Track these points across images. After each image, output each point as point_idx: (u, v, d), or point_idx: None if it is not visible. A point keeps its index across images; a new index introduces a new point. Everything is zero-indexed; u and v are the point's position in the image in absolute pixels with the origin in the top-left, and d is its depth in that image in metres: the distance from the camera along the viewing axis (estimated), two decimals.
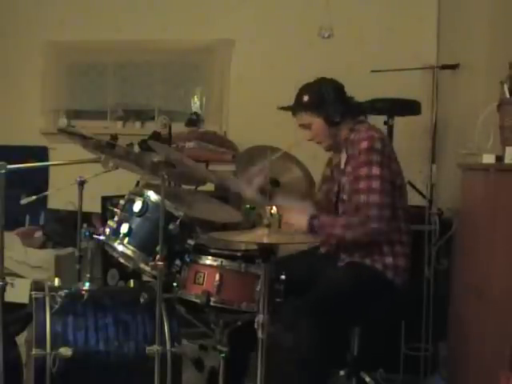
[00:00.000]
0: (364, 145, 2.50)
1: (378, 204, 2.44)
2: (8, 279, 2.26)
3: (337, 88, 2.67)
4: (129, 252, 2.36)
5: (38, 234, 4.02)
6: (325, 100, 2.63)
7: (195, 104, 4.02)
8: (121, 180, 3.14)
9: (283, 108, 2.83)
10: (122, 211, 2.42)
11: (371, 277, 2.54)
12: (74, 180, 2.68)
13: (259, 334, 1.96)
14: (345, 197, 2.61)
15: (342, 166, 2.66)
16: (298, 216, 2.56)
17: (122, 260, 2.47)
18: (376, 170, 2.47)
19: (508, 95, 2.47)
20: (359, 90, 2.72)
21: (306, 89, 2.69)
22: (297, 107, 2.70)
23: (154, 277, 2.29)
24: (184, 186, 3.03)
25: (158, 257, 2.21)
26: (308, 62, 4.11)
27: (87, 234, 2.53)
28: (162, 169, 2.26)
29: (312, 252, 2.73)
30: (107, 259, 3.41)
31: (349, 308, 2.42)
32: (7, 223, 2.23)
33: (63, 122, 4.56)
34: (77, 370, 2.22)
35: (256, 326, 1.96)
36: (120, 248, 2.36)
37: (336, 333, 2.40)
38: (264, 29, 4.25)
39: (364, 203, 2.45)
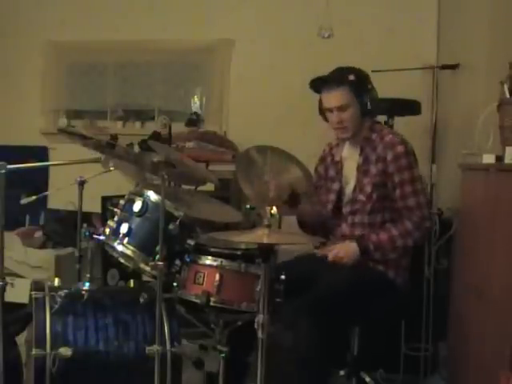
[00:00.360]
0: (401, 149, 2.53)
1: (426, 204, 2.55)
2: (8, 279, 2.27)
3: (372, 82, 2.63)
4: (129, 252, 2.36)
5: (38, 233, 4.02)
6: (367, 87, 2.59)
7: (195, 104, 4.02)
8: (121, 180, 3.13)
9: (318, 80, 2.62)
10: (121, 211, 2.42)
11: (372, 277, 2.55)
12: (73, 180, 2.68)
13: (259, 334, 1.96)
14: (361, 197, 2.59)
15: (360, 163, 2.62)
16: (344, 246, 2.56)
17: (122, 260, 2.47)
18: (416, 172, 2.56)
19: (508, 95, 2.48)
20: None
21: (350, 69, 2.58)
22: (341, 82, 2.56)
23: (154, 277, 2.29)
24: (184, 186, 3.03)
25: (157, 257, 2.21)
26: (308, 62, 4.10)
27: (87, 233, 2.53)
28: (162, 169, 2.26)
29: (312, 253, 2.72)
30: (107, 259, 3.41)
31: (349, 308, 2.42)
32: (7, 223, 2.23)
33: (63, 121, 4.56)
34: (77, 370, 2.22)
35: (256, 326, 1.96)
36: (120, 248, 2.36)
37: (336, 333, 2.40)
38: (264, 29, 4.25)
39: (415, 205, 2.51)
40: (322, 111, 2.68)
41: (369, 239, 2.52)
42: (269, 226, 2.00)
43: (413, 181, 2.53)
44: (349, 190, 2.67)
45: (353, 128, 2.61)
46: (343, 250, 2.53)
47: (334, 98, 2.58)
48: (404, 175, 2.53)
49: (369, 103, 2.57)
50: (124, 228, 2.36)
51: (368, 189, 2.57)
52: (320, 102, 2.68)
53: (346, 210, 2.66)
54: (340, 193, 2.70)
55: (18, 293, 3.08)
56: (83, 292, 2.34)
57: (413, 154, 2.58)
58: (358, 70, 2.61)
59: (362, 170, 2.62)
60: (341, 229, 2.69)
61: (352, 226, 2.65)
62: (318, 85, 2.63)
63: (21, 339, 2.59)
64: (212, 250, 2.34)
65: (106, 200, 3.65)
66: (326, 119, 2.69)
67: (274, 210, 2.22)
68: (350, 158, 2.70)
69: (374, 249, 2.51)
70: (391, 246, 2.50)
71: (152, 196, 2.39)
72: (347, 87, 2.55)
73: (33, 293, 2.32)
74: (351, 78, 2.55)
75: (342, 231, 2.68)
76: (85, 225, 2.63)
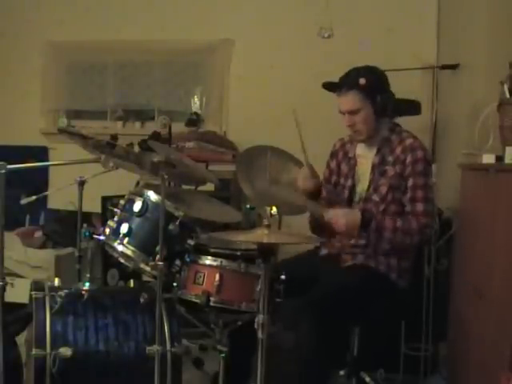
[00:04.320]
0: (421, 154, 2.53)
1: (432, 213, 2.54)
2: (8, 279, 2.27)
3: (388, 80, 2.61)
4: (129, 252, 2.36)
5: (38, 233, 4.02)
6: (380, 87, 2.56)
7: (195, 104, 4.02)
8: (121, 180, 3.14)
9: (329, 84, 2.61)
10: (121, 211, 2.42)
11: (374, 278, 2.54)
12: (73, 180, 2.68)
13: (259, 334, 1.95)
14: (375, 197, 2.58)
15: (375, 162, 2.60)
16: (348, 212, 2.51)
17: (122, 260, 2.47)
18: (430, 181, 2.55)
19: (508, 95, 2.48)
20: None
21: (361, 71, 2.56)
22: (351, 86, 2.54)
23: (154, 277, 2.29)
24: (184, 186, 3.03)
25: (157, 257, 2.21)
26: (308, 62, 4.11)
27: (87, 233, 2.53)
28: (162, 169, 2.26)
29: (313, 253, 2.72)
30: (107, 259, 3.42)
31: (349, 308, 2.42)
32: (7, 223, 2.23)
33: (63, 121, 4.56)
34: (77, 370, 2.22)
35: (256, 326, 1.96)
36: (120, 248, 2.36)
37: (336, 333, 2.40)
38: (264, 29, 4.25)
39: (423, 212, 2.49)
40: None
41: (375, 218, 2.48)
42: (268, 226, 2.00)
43: (425, 187, 2.52)
44: (361, 188, 2.65)
45: (367, 130, 2.59)
46: (345, 214, 2.48)
47: (345, 102, 2.57)
48: (418, 180, 2.52)
49: (385, 104, 2.54)
50: (124, 228, 2.36)
51: (383, 190, 2.56)
52: None
53: (357, 207, 2.63)
54: (352, 189, 2.68)
55: (18, 293, 3.08)
56: (83, 292, 2.34)
57: (430, 163, 2.57)
58: (372, 70, 2.58)
59: (379, 171, 2.60)
60: None
61: None
62: (330, 88, 2.62)
63: (21, 339, 2.59)
64: (212, 250, 2.34)
65: (106, 200, 3.65)
66: None
67: (274, 209, 2.22)
68: (364, 156, 2.67)
69: (375, 228, 2.46)
70: (390, 236, 2.47)
71: (152, 196, 2.39)
72: (358, 91, 2.53)
73: (33, 293, 2.32)
74: (362, 81, 2.52)
75: None
76: (85, 225, 2.64)
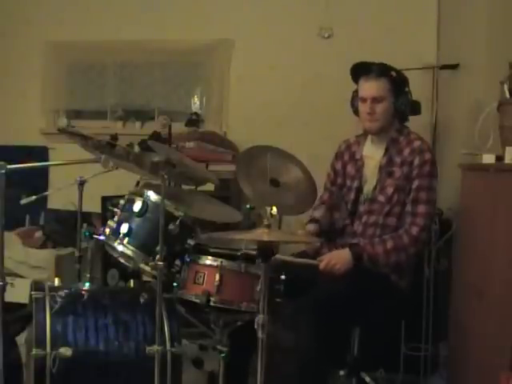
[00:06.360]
0: (428, 156, 2.56)
1: (432, 216, 2.57)
2: (8, 279, 2.26)
3: (409, 87, 2.65)
4: (129, 252, 2.36)
5: (38, 233, 4.02)
6: (405, 89, 2.62)
7: (195, 104, 4.03)
8: (121, 180, 3.14)
9: (362, 64, 2.63)
10: (122, 211, 2.42)
11: (374, 279, 2.54)
12: (73, 180, 2.68)
13: (259, 334, 1.95)
14: (381, 198, 2.59)
15: (382, 163, 2.61)
16: (336, 253, 2.54)
17: (122, 260, 2.47)
18: (435, 183, 2.57)
19: (508, 95, 2.48)
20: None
21: (391, 67, 2.61)
22: (383, 73, 2.57)
23: (154, 277, 2.29)
24: (184, 186, 3.03)
25: (157, 257, 2.21)
26: (308, 62, 4.11)
27: (87, 233, 2.53)
28: (162, 169, 2.26)
29: (313, 254, 2.72)
30: (107, 259, 3.42)
31: (350, 309, 2.42)
32: (7, 223, 2.23)
33: (63, 121, 4.56)
34: (77, 370, 2.22)
35: (256, 326, 1.96)
36: (120, 248, 2.36)
37: (336, 333, 2.40)
38: (264, 29, 4.24)
39: (423, 214, 2.52)
40: (354, 103, 2.69)
41: (364, 250, 2.51)
42: (268, 226, 2.00)
43: (430, 189, 2.55)
44: (367, 188, 2.65)
45: (383, 122, 2.60)
46: (336, 258, 2.51)
47: (372, 87, 2.58)
48: (424, 182, 2.54)
49: (404, 105, 2.60)
50: (124, 228, 2.36)
51: (389, 190, 2.57)
52: (354, 92, 2.69)
53: (362, 208, 2.64)
54: (358, 191, 2.69)
55: (18, 293, 3.09)
56: (83, 292, 2.34)
57: (436, 166, 2.60)
58: (399, 71, 2.64)
59: (386, 171, 2.61)
60: (352, 227, 2.68)
61: (365, 225, 2.64)
62: (360, 71, 2.62)
63: (21, 339, 2.59)
64: (212, 250, 2.34)
65: (106, 200, 3.65)
66: (355, 112, 2.70)
67: (274, 209, 2.22)
68: (371, 156, 2.68)
69: (368, 259, 2.50)
70: (385, 260, 2.51)
71: (152, 196, 2.39)
72: (388, 81, 2.57)
73: (33, 293, 2.32)
74: (393, 73, 2.57)
75: (354, 229, 2.67)
76: (85, 225, 2.64)
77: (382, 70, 2.57)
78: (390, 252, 2.49)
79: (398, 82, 2.58)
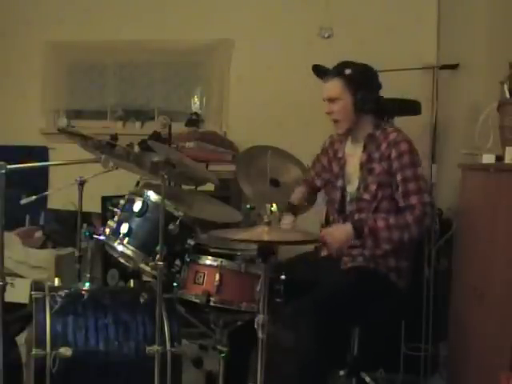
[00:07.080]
0: (405, 146, 2.51)
1: (429, 203, 2.48)
2: (8, 279, 2.26)
3: (378, 81, 2.62)
4: (129, 252, 2.36)
5: (38, 233, 4.02)
6: (364, 83, 2.57)
7: (195, 104, 4.03)
8: (121, 180, 3.14)
9: (317, 66, 2.64)
10: (122, 211, 2.42)
11: (374, 279, 2.53)
12: (74, 180, 2.68)
13: (259, 334, 1.95)
14: (366, 196, 2.56)
15: (363, 160, 2.59)
16: (338, 228, 2.53)
17: (121, 260, 2.47)
18: (420, 171, 2.51)
19: (508, 95, 2.48)
20: None
21: (350, 64, 2.58)
22: (335, 74, 2.57)
23: (154, 277, 2.29)
24: (184, 186, 3.03)
25: (157, 257, 2.21)
26: (308, 62, 4.09)
27: (87, 233, 2.53)
28: (162, 169, 2.26)
29: (314, 254, 2.72)
30: (107, 259, 3.42)
31: (350, 309, 2.41)
32: (7, 223, 2.23)
33: (63, 121, 4.56)
34: (77, 370, 2.23)
35: (256, 326, 1.95)
36: (120, 248, 2.36)
37: (336, 334, 2.40)
38: (264, 29, 4.24)
39: (418, 203, 2.46)
40: None
41: (366, 222, 2.47)
42: (268, 224, 2.00)
43: (416, 179, 2.48)
44: (351, 187, 2.64)
45: (345, 122, 2.59)
46: (338, 231, 2.49)
47: (327, 88, 2.59)
48: (407, 172, 2.48)
49: (365, 101, 2.54)
50: (124, 228, 2.36)
51: (373, 188, 2.54)
52: None
53: (350, 208, 2.62)
54: (343, 189, 2.67)
55: (18, 293, 3.09)
56: (83, 292, 2.34)
57: (417, 154, 2.54)
58: (362, 66, 2.59)
59: (366, 169, 2.58)
60: None
61: None
62: (318, 74, 2.64)
63: (21, 339, 2.59)
64: (212, 250, 2.34)
65: (106, 200, 3.65)
66: None
67: (274, 206, 2.22)
68: (352, 154, 2.66)
69: (369, 232, 2.44)
70: (386, 235, 2.44)
71: (152, 196, 2.39)
72: (341, 80, 2.55)
73: (33, 293, 2.32)
74: (347, 72, 2.54)
75: None
76: (85, 225, 2.64)
77: (334, 71, 2.57)
78: (391, 227, 2.44)
79: (354, 79, 2.54)
